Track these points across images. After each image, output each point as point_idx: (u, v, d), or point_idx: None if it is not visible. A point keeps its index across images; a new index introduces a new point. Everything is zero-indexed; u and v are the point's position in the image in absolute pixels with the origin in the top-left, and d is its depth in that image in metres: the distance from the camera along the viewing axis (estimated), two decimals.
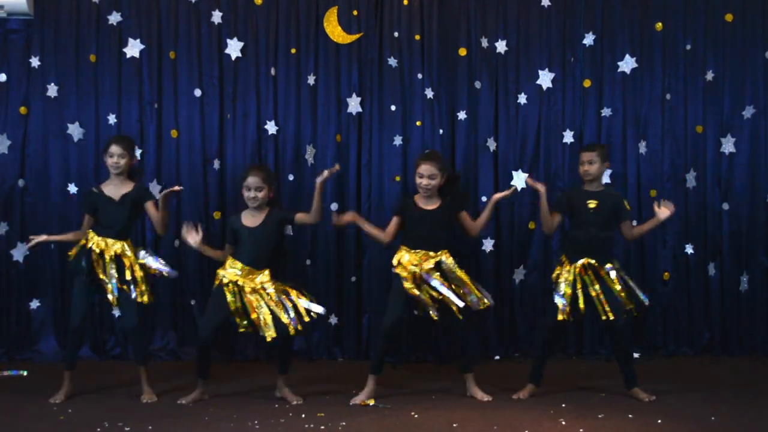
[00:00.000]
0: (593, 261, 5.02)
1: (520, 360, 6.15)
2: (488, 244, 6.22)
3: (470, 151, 6.29)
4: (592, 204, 5.06)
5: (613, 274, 5.02)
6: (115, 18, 6.12)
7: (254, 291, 4.88)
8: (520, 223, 6.27)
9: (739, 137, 6.38)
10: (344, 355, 6.22)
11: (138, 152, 6.06)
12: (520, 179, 6.07)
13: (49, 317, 6.07)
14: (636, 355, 6.10)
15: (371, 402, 4.90)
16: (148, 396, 5.01)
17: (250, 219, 4.97)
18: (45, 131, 6.10)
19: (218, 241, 6.07)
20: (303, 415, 4.62)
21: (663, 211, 5.10)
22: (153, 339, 6.11)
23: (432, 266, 4.96)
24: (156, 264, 5.10)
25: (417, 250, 5.00)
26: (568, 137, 6.29)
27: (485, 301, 5.09)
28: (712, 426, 4.41)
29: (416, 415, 4.64)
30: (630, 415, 4.61)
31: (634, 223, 6.14)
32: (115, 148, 5.03)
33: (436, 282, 4.93)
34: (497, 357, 6.23)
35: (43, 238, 5.12)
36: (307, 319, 4.94)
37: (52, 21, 6.10)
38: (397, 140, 6.19)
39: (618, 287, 5.03)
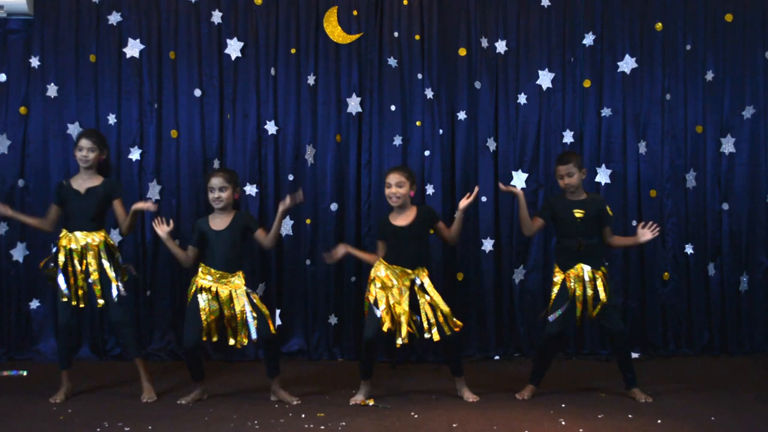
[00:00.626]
0: (587, 266, 5.01)
1: (519, 360, 6.16)
2: (488, 244, 6.22)
3: (470, 151, 6.29)
4: (578, 214, 5.02)
5: (601, 280, 5.02)
6: (115, 18, 6.13)
7: (229, 297, 4.88)
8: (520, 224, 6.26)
9: (739, 137, 6.39)
10: (344, 354, 6.22)
11: (138, 152, 6.09)
12: (520, 179, 6.11)
13: (49, 317, 6.07)
14: (636, 355, 6.12)
15: (371, 402, 4.91)
16: (147, 394, 4.99)
17: (217, 222, 4.95)
18: (45, 131, 6.11)
19: None
20: (303, 415, 4.62)
21: (644, 234, 5.05)
22: (152, 339, 6.12)
23: (408, 284, 4.93)
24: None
25: (394, 266, 4.97)
26: (568, 137, 6.29)
27: (456, 321, 4.99)
28: (712, 426, 4.41)
29: (416, 415, 4.64)
30: (630, 416, 4.61)
31: (634, 223, 6.19)
32: (84, 142, 5.03)
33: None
34: (497, 357, 6.23)
35: (9, 212, 5.10)
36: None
37: (52, 21, 6.11)
38: (397, 140, 6.20)
39: (604, 294, 5.00)
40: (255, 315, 4.87)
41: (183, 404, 4.89)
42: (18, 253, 6.07)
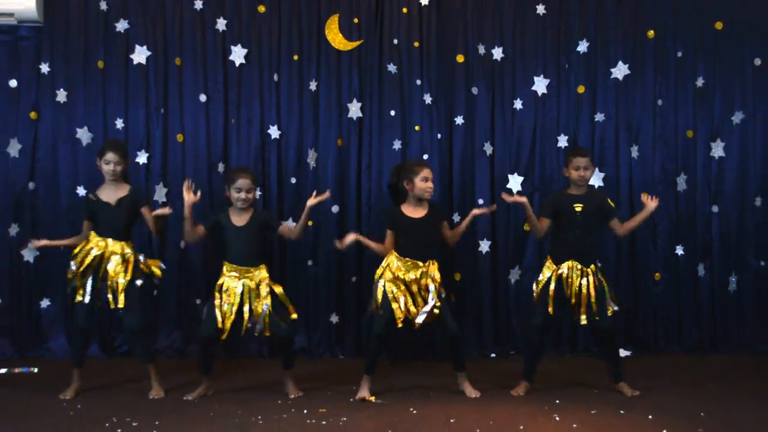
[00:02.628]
0: (578, 263, 5.05)
1: (515, 357, 6.20)
2: (484, 246, 6.28)
3: (467, 155, 6.33)
4: (578, 207, 5.07)
5: (599, 275, 5.09)
6: (122, 25, 6.18)
7: (251, 291, 4.95)
8: (516, 225, 6.32)
9: (728, 142, 6.44)
10: (345, 352, 6.27)
11: (145, 156, 6.14)
12: (516, 183, 6.17)
13: (59, 316, 6.12)
14: (627, 353, 6.16)
15: (372, 398, 4.96)
16: (156, 392, 5.06)
17: (237, 218, 5.03)
18: (54, 136, 6.16)
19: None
20: (305, 411, 4.67)
21: (650, 204, 5.12)
22: (159, 337, 6.16)
23: (417, 277, 4.98)
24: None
25: (406, 258, 5.02)
26: (563, 142, 6.35)
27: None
28: (700, 422, 4.45)
29: (414, 411, 4.69)
30: (621, 411, 4.66)
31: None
32: (112, 156, 5.07)
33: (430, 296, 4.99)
34: (493, 354, 6.27)
35: (44, 242, 5.20)
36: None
37: (62, 28, 6.16)
38: (397, 144, 6.24)
39: (606, 286, 5.09)
40: (269, 312, 4.94)
41: (189, 400, 4.94)
42: (29, 254, 6.12)
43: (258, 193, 6.16)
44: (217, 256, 6.09)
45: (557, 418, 4.53)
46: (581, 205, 5.08)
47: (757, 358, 6.21)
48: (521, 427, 4.33)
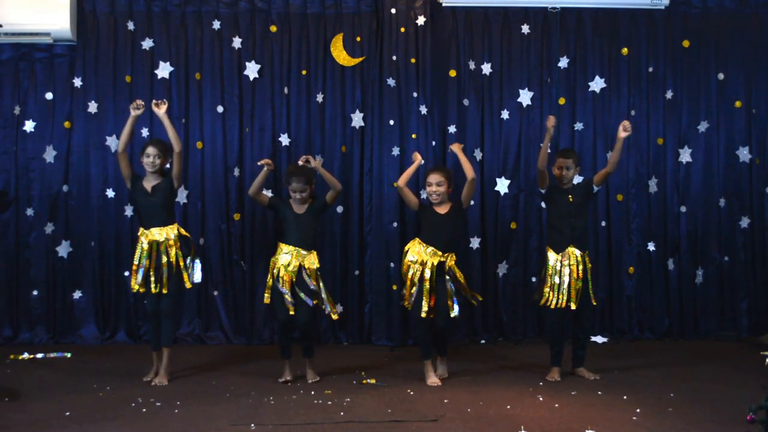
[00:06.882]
0: (577, 250, 4.99)
1: (502, 344, 6.16)
2: (475, 242, 6.23)
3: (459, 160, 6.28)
4: (570, 198, 5.03)
5: (587, 262, 5.02)
6: (147, 44, 6.14)
7: (301, 270, 4.90)
8: (503, 224, 6.27)
9: (694, 148, 6.39)
10: (348, 339, 6.22)
11: (168, 161, 6.08)
12: (503, 185, 6.11)
13: (89, 306, 6.09)
14: (604, 340, 6.12)
15: (373, 381, 4.91)
16: (161, 379, 4.88)
17: (297, 207, 5.01)
18: (86, 143, 6.12)
19: (237, 241, 6.10)
20: (312, 392, 4.63)
21: (620, 130, 4.98)
22: (181, 325, 6.10)
23: (436, 264, 4.90)
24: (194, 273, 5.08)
25: (428, 245, 4.93)
26: None
27: (477, 296, 5.12)
28: (670, 401, 4.42)
29: (411, 393, 4.65)
30: (599, 392, 4.62)
31: (603, 224, 6.20)
32: (151, 149, 4.99)
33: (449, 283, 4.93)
34: (483, 341, 6.22)
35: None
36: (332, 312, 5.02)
37: (93, 46, 6.13)
38: (395, 151, 6.19)
39: (589, 276, 5.02)
40: (293, 301, 4.86)
41: (214, 384, 4.83)
42: (63, 249, 6.08)
43: (270, 195, 6.10)
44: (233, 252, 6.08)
45: (541, 399, 4.49)
46: (572, 196, 5.03)
47: (721, 343, 6.18)
48: (508, 407, 4.29)
